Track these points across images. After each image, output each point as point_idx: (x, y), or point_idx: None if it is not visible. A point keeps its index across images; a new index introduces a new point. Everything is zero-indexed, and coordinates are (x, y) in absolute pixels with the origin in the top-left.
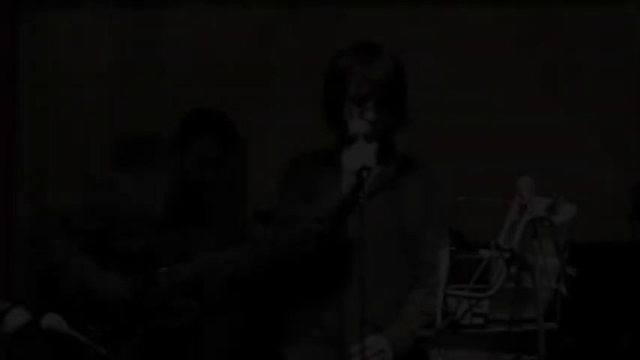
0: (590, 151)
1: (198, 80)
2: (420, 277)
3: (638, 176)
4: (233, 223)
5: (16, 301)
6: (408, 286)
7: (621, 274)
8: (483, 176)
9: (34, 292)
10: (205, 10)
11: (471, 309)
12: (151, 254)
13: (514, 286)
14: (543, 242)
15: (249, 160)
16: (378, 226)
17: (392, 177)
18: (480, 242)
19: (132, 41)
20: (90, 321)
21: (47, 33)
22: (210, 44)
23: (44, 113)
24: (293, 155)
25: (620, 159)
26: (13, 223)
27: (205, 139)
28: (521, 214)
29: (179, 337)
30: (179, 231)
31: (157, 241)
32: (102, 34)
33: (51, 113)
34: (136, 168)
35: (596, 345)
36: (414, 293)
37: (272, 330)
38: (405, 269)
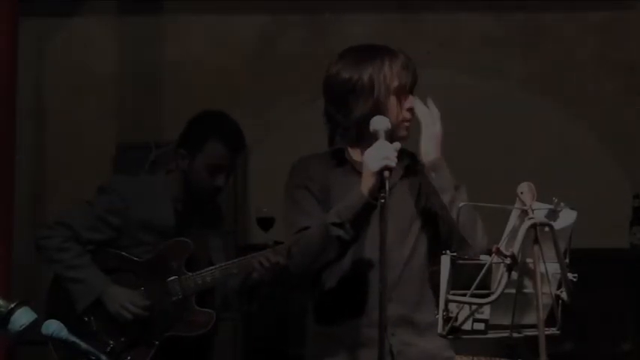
0: (591, 156)
1: (198, 86)
2: None
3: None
4: (237, 230)
5: (22, 300)
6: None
7: (621, 279)
8: (484, 181)
9: (34, 299)
10: (206, 16)
11: (472, 315)
12: (161, 262)
13: (515, 291)
14: (544, 248)
15: (250, 165)
16: (397, 223)
17: (400, 175)
18: None
19: (133, 47)
20: (105, 333)
21: (48, 39)
22: (210, 50)
23: (45, 119)
24: (300, 158)
25: (621, 164)
26: (12, 226)
27: (217, 145)
28: (522, 219)
29: (194, 346)
30: (188, 238)
31: (167, 248)
32: (103, 40)
33: (51, 118)
34: (142, 175)
35: (597, 351)
36: None
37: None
38: (425, 265)
